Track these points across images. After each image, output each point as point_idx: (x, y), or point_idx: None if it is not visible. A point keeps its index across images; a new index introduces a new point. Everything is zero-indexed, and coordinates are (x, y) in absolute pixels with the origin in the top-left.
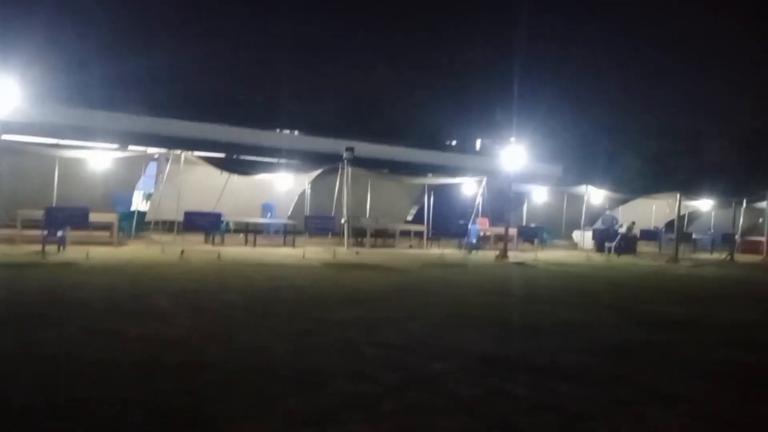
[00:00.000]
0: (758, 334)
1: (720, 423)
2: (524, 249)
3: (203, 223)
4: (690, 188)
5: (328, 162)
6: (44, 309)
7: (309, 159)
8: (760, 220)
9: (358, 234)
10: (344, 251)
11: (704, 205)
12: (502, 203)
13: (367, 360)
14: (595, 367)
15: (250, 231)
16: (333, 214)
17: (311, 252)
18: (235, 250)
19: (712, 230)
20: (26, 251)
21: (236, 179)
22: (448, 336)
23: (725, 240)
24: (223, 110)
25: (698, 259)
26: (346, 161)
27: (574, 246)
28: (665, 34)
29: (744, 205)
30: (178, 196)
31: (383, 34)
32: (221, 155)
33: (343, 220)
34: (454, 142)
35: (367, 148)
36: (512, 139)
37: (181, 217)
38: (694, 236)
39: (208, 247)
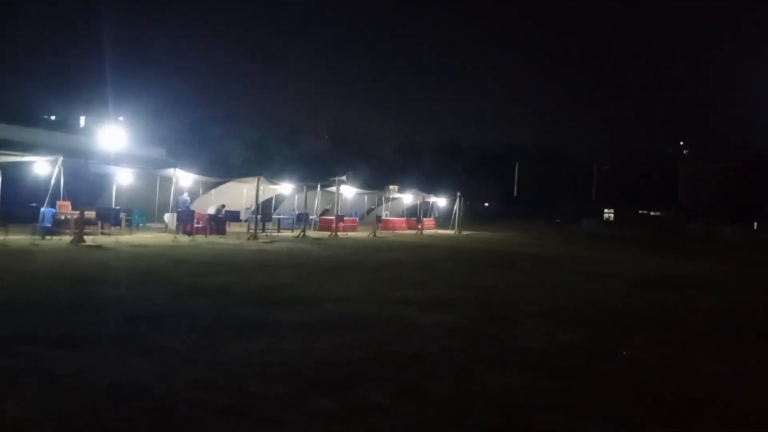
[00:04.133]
0: (275, 294)
1: (180, 360)
2: (111, 232)
3: None
4: (285, 174)
5: None
6: None
7: None
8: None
9: None
10: None
11: (287, 189)
12: (86, 185)
13: None
14: (101, 334)
15: None
16: None
17: None
18: None
19: (296, 211)
20: None
21: None
22: None
23: (300, 219)
24: None
25: (276, 236)
26: None
27: (167, 228)
28: (263, 33)
29: (319, 189)
30: None
31: None
32: None
33: None
34: (53, 117)
35: None
36: (121, 118)
37: None
38: (276, 216)
39: None
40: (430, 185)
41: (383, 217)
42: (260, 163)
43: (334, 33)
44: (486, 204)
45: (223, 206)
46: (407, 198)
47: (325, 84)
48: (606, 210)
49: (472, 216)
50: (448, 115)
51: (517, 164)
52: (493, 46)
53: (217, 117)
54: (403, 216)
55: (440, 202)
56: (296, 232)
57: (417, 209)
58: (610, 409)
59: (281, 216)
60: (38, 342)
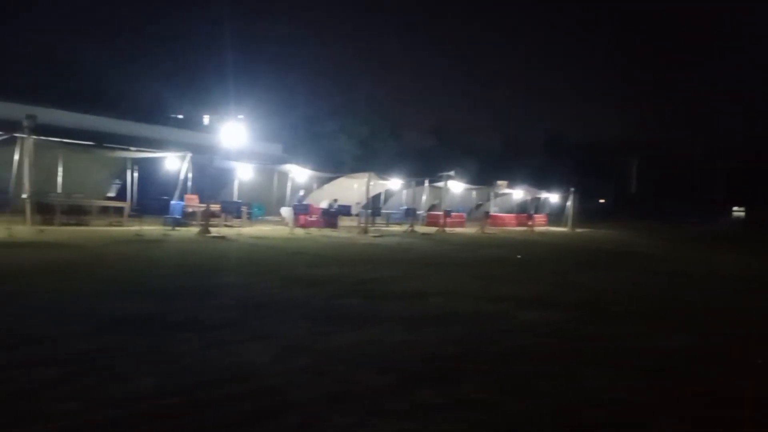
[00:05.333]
0: (383, 286)
1: (292, 346)
2: (233, 224)
3: None
4: (391, 169)
5: (10, 130)
6: None
7: None
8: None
9: (46, 211)
10: (26, 230)
11: (396, 184)
12: (211, 179)
13: None
14: (220, 318)
15: None
16: (10, 189)
17: None
18: None
19: (404, 206)
20: None
21: None
22: (92, 303)
23: (408, 214)
24: None
25: (385, 230)
26: (26, 130)
27: (284, 221)
28: (371, 33)
29: (427, 184)
30: None
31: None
32: None
33: (24, 196)
34: (181, 116)
35: (63, 117)
36: (240, 116)
37: None
38: (385, 211)
39: None
40: (539, 181)
41: (492, 214)
42: (368, 158)
43: (439, 28)
44: (601, 200)
45: (336, 200)
46: (517, 194)
47: (430, 78)
48: (735, 208)
49: (585, 213)
50: (556, 109)
51: (636, 160)
52: (605, 39)
53: (328, 113)
54: (512, 212)
55: (551, 198)
56: (404, 227)
57: (527, 206)
58: (719, 414)
59: (390, 211)
60: (166, 324)
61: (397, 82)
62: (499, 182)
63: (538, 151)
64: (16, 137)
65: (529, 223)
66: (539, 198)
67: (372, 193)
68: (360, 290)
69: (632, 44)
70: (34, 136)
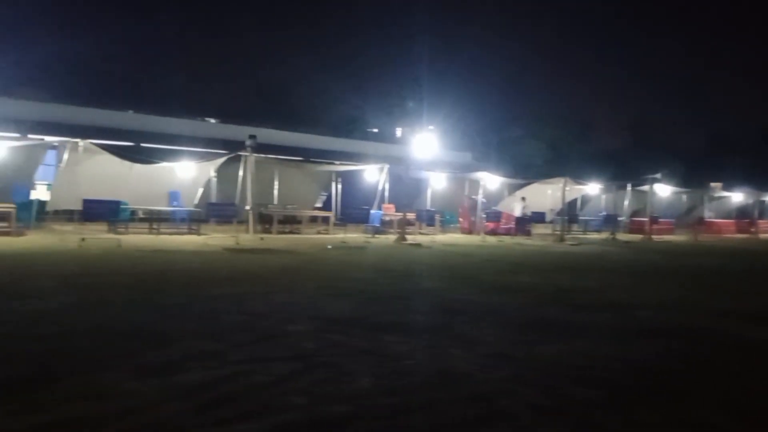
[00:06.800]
0: (583, 297)
1: (494, 354)
2: (427, 232)
3: (103, 212)
4: (583, 172)
5: (236, 149)
6: None
7: (215, 146)
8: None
9: (265, 221)
10: (249, 237)
11: (594, 189)
12: (406, 189)
13: (225, 324)
14: (423, 323)
15: (154, 219)
16: (236, 201)
17: (215, 239)
18: (137, 238)
19: (605, 212)
20: None
21: (140, 167)
22: (310, 305)
23: (608, 221)
24: (129, 97)
25: (583, 238)
26: (249, 149)
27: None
28: (558, 32)
29: (629, 188)
30: (79, 185)
31: (297, 26)
32: (126, 143)
33: (247, 207)
34: (375, 130)
35: (277, 135)
36: (430, 127)
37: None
38: (581, 217)
39: (111, 236)
40: (759, 180)
41: (706, 219)
42: (558, 161)
43: (635, 22)
44: None
45: (523, 198)
46: (735, 197)
47: (622, 73)
48: None
49: None
50: None
51: None
52: None
53: (515, 117)
54: (730, 218)
55: None
56: (604, 235)
57: (749, 210)
58: None
59: (587, 217)
60: (374, 326)
61: (587, 80)
62: (713, 184)
63: (755, 146)
64: (240, 155)
65: (752, 229)
66: (763, 201)
67: (567, 199)
68: (559, 299)
69: None
70: (255, 154)
